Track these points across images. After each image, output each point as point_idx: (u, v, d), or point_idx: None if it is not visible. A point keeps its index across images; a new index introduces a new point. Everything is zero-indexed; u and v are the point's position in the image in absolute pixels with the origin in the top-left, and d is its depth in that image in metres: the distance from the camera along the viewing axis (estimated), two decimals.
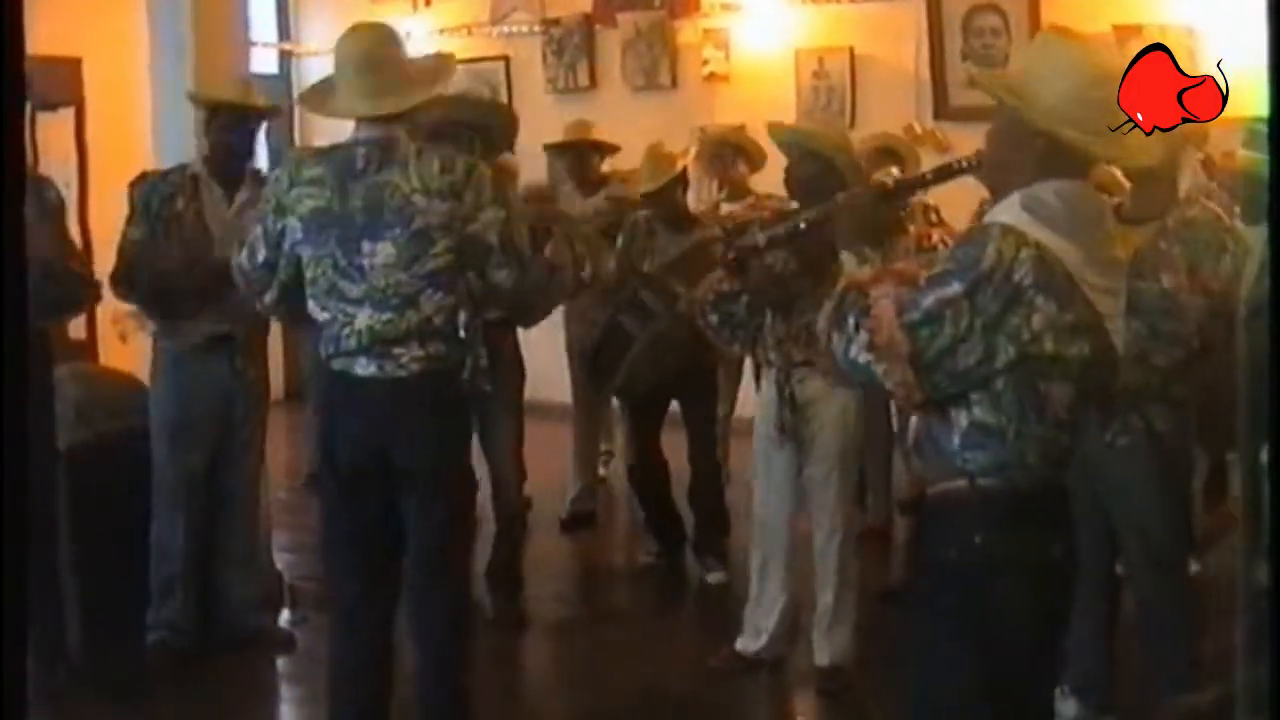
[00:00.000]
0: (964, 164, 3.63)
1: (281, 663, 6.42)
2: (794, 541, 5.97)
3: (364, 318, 4.59)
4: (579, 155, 8.65)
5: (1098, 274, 3.22)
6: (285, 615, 6.83)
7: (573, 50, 11.94)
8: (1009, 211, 3.22)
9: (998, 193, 3.34)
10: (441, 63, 5.07)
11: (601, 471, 9.07)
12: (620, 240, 7.42)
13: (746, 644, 6.06)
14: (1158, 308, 4.82)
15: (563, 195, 8.39)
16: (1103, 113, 3.21)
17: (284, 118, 12.91)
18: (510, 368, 6.60)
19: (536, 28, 12.07)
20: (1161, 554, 5.08)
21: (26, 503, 2.32)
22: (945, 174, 3.73)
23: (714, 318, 5.81)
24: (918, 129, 9.51)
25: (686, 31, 11.37)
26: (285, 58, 13.51)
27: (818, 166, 5.75)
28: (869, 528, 8.05)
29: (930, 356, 3.12)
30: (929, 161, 7.21)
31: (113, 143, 9.60)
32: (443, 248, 4.57)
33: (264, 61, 12.94)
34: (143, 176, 6.27)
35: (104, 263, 6.21)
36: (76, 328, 9.02)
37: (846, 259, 3.43)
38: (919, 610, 3.43)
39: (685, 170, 7.59)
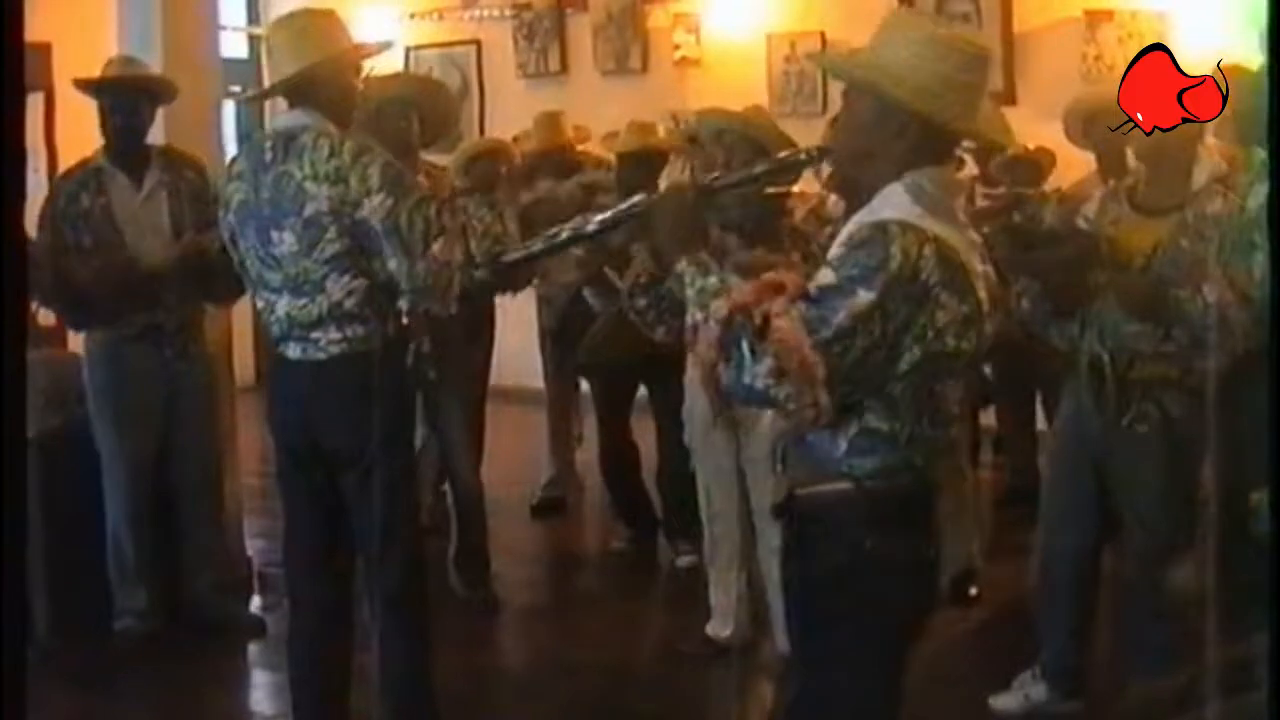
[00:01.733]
0: (805, 157, 3.45)
1: (252, 649, 6.41)
2: (745, 525, 5.95)
3: (283, 304, 4.68)
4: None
5: (976, 260, 3.16)
6: (256, 601, 6.82)
7: (543, 35, 11.91)
8: (895, 205, 3.10)
9: (861, 185, 3.21)
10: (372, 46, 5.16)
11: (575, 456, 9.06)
12: None
13: (716, 629, 6.07)
14: (1203, 321, 4.69)
15: (538, 184, 8.39)
16: (971, 96, 3.18)
17: (256, 102, 12.86)
18: (460, 353, 6.54)
19: (507, 12, 12.04)
20: (1162, 540, 5.02)
21: (24, 494, 2.32)
22: (782, 169, 3.52)
23: (642, 301, 5.71)
24: None
25: (657, 15, 11.35)
26: (255, 42, 13.45)
27: (751, 152, 5.71)
28: None
29: (844, 372, 2.97)
30: None
31: (82, 129, 9.51)
32: (335, 233, 4.56)
33: (233, 46, 12.87)
34: (63, 175, 6.22)
35: None
36: (46, 314, 8.97)
37: (686, 269, 3.23)
38: (806, 615, 3.34)
39: (667, 151, 7.56)
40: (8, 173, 2.20)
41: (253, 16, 13.45)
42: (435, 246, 4.53)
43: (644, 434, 7.51)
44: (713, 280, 3.16)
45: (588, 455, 8.38)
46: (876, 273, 2.98)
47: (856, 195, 3.22)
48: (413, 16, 12.40)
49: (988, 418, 8.83)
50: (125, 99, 6.14)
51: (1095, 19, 9.24)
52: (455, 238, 4.59)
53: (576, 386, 8.55)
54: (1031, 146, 7.54)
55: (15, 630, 2.26)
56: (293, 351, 4.70)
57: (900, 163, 3.14)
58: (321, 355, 4.66)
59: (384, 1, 12.36)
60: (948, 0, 9.93)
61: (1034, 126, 7.96)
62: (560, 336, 7.86)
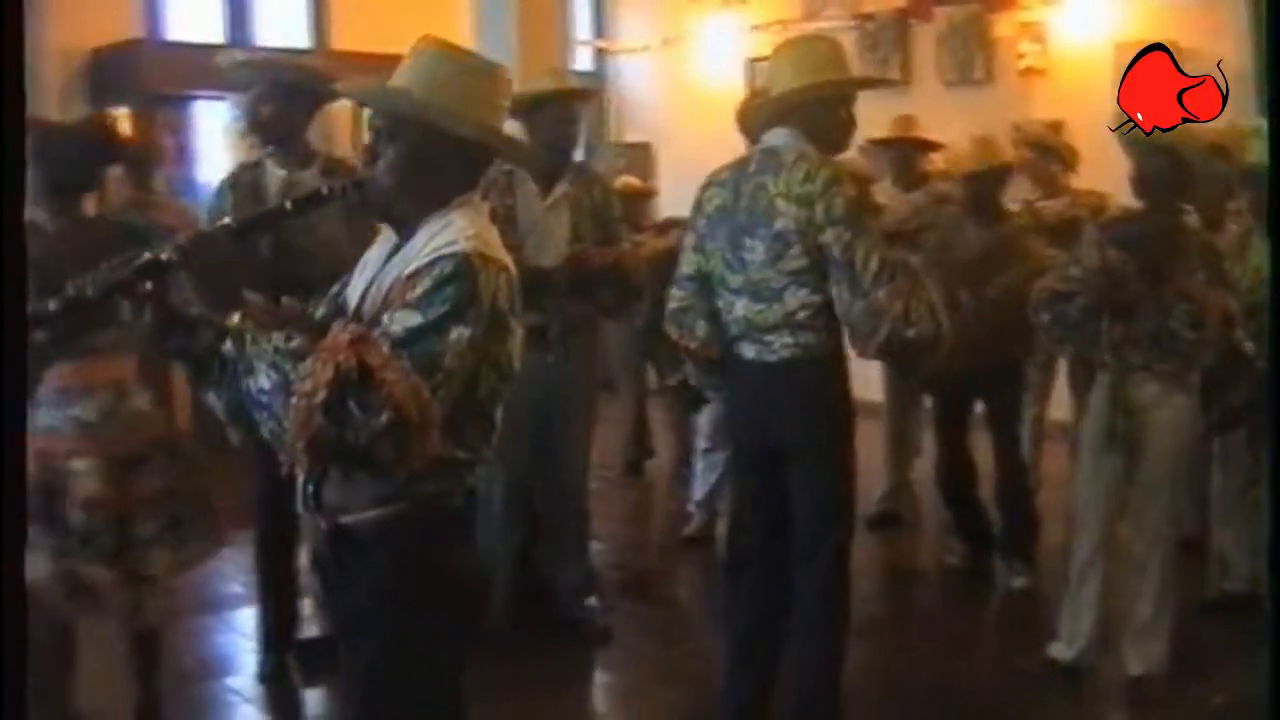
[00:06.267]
0: (331, 191, 3.23)
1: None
2: (1113, 549, 5.84)
3: (741, 306, 4.98)
4: (901, 152, 8.54)
5: None
6: (593, 602, 6.86)
7: (886, 45, 11.88)
8: (464, 234, 3.04)
9: (407, 217, 3.13)
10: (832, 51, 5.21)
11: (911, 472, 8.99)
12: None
13: (1060, 650, 5.96)
14: None
15: (882, 191, 8.34)
16: (497, 115, 3.27)
17: (598, 112, 13.15)
18: None
19: (850, 22, 12.03)
20: None
21: (24, 494, 2.41)
22: (313, 203, 3.25)
23: (1045, 316, 5.79)
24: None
25: (1002, 24, 11.23)
26: (601, 55, 13.74)
27: (1163, 162, 5.55)
28: (1182, 537, 7.84)
29: (449, 410, 2.94)
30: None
31: None
32: (798, 250, 4.82)
33: (580, 59, 13.19)
34: None
35: None
36: None
37: (243, 326, 2.92)
38: (372, 636, 3.18)
39: (1011, 166, 7.45)
40: (8, 173, 2.29)
41: (600, 30, 13.74)
42: (880, 293, 4.75)
43: (984, 454, 7.42)
44: (294, 341, 2.91)
45: (925, 468, 8.31)
46: (468, 308, 2.95)
47: (402, 227, 3.16)
48: (755, 28, 12.49)
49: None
50: (565, 112, 6.32)
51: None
52: (902, 292, 4.74)
53: (917, 401, 8.49)
54: None
55: (15, 630, 2.34)
56: (747, 351, 5.00)
57: (446, 191, 3.14)
58: (773, 357, 4.93)
59: (729, 13, 12.48)
60: None
61: None
62: None
